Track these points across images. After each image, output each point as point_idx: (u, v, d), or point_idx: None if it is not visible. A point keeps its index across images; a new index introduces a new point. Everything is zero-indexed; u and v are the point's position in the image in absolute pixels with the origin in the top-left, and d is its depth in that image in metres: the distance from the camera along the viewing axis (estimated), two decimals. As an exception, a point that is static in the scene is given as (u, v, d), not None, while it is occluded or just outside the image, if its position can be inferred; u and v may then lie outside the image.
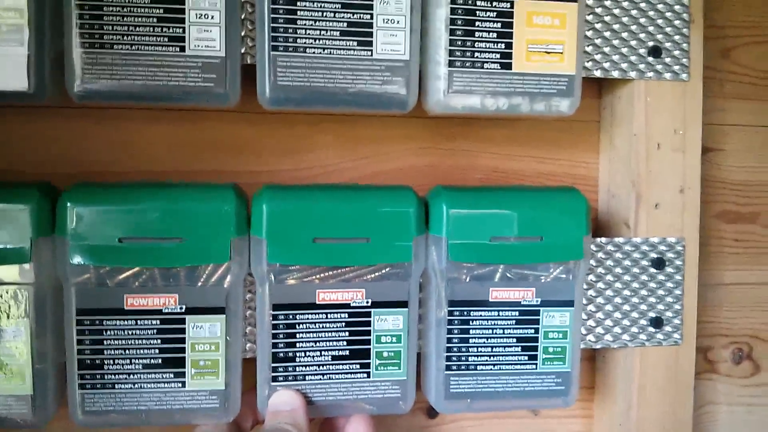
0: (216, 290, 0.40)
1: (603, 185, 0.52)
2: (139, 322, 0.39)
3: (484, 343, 0.43)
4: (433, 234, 0.42)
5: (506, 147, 0.51)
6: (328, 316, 0.41)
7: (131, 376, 0.39)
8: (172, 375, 0.40)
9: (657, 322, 0.49)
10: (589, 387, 0.53)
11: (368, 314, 0.41)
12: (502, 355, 0.43)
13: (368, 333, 0.41)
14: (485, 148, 0.50)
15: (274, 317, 0.40)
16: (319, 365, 0.41)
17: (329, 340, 0.41)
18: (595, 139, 0.52)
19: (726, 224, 0.55)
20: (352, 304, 0.41)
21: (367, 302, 0.41)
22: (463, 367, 0.43)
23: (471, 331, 0.43)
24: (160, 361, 0.39)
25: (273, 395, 0.40)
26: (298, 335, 0.41)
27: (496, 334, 0.43)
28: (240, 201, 0.40)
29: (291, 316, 0.40)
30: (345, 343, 0.41)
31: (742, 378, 0.56)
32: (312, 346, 0.41)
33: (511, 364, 0.43)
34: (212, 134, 0.47)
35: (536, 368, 0.44)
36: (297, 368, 0.41)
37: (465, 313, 0.42)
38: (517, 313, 0.43)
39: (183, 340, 0.40)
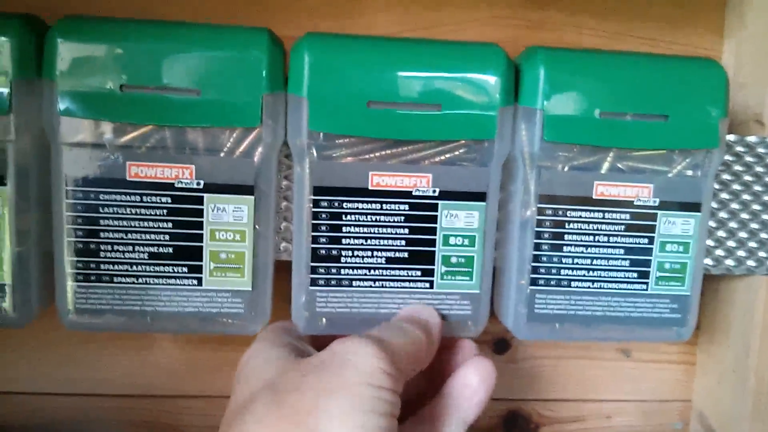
0: (243, 164, 0.31)
1: (728, 74, 0.41)
2: (144, 198, 0.30)
3: (582, 252, 0.33)
4: (524, 106, 0.32)
5: (610, 23, 0.40)
6: (384, 206, 0.32)
7: (134, 268, 0.31)
8: (185, 269, 0.31)
9: (792, 246, 0.38)
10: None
11: (434, 207, 0.32)
12: (604, 270, 0.34)
13: (433, 231, 0.32)
14: (583, 23, 0.40)
15: (315, 203, 0.31)
16: (369, 269, 0.32)
17: (383, 238, 0.32)
18: (719, 19, 0.42)
19: None
20: (414, 193, 0.32)
21: (434, 191, 0.32)
22: (552, 283, 0.33)
23: (566, 237, 0.33)
24: (170, 250, 0.31)
25: (411, 306, 0.32)
26: (344, 229, 0.32)
27: (598, 242, 0.33)
28: (275, 48, 0.31)
29: (336, 204, 0.31)
30: (403, 242, 0.32)
31: None
32: (361, 244, 0.32)
33: (615, 281, 0.34)
34: (244, -14, 0.37)
35: (647, 289, 0.34)
36: (342, 271, 0.32)
37: (559, 212, 0.33)
38: (627, 216, 0.33)
39: (200, 225, 0.31)
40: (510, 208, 0.34)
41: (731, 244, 0.38)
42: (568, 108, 0.31)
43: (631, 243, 0.33)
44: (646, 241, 0.33)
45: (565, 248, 0.33)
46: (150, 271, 0.31)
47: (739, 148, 0.37)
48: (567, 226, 0.33)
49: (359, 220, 0.32)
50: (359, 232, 0.32)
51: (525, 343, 0.41)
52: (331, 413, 0.24)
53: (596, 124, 0.32)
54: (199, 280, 0.31)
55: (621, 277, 0.34)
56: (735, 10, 0.41)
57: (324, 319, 0.33)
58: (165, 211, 0.31)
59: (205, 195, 0.31)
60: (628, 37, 0.41)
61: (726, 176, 0.37)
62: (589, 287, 0.34)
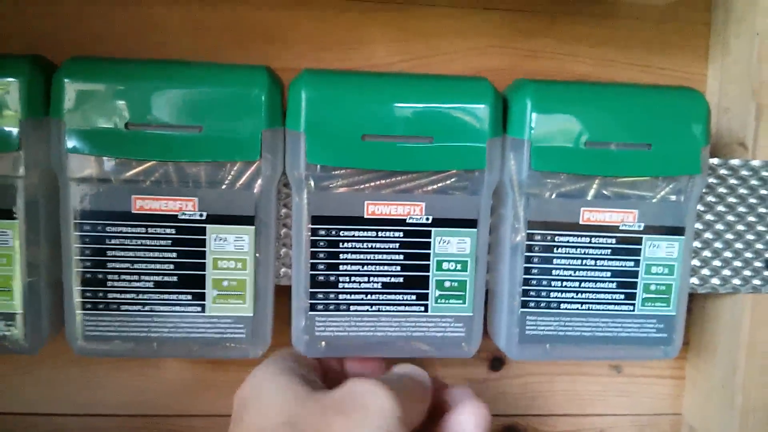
0: (244, 195, 0.32)
1: (713, 99, 0.43)
2: (149, 230, 0.32)
3: (571, 276, 0.35)
4: (512, 136, 0.34)
5: (600, 50, 0.42)
6: (379, 234, 0.33)
7: (140, 296, 0.32)
8: (189, 297, 0.33)
9: (776, 265, 0.40)
10: (683, 343, 0.44)
11: (428, 234, 0.33)
12: (592, 292, 0.35)
13: (427, 257, 0.34)
14: (574, 50, 0.42)
15: (313, 232, 0.33)
16: (366, 293, 0.34)
17: (379, 264, 0.33)
18: (704, 46, 0.43)
19: None
20: (408, 221, 0.33)
21: (427, 219, 0.33)
22: (543, 305, 0.35)
23: (554, 261, 0.34)
24: (175, 278, 0.32)
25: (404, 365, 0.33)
26: (341, 256, 0.33)
27: (586, 265, 0.35)
28: (274, 85, 0.32)
29: (333, 232, 0.33)
30: (398, 268, 0.34)
31: None
32: (358, 270, 0.33)
33: (603, 303, 0.35)
34: (240, 20, 0.39)
35: (633, 310, 0.35)
36: (339, 296, 0.33)
37: (548, 238, 0.34)
38: (613, 241, 0.34)
39: (203, 254, 0.32)
40: (501, 233, 0.35)
41: (716, 263, 0.39)
42: (555, 138, 0.33)
43: (617, 266, 0.35)
44: (632, 264, 0.35)
45: (554, 272, 0.34)
46: (155, 299, 0.32)
47: (723, 171, 0.39)
48: (555, 251, 0.34)
49: (356, 248, 0.33)
50: (356, 259, 0.33)
51: (520, 360, 0.43)
52: None
53: (582, 154, 0.33)
54: (203, 307, 0.33)
55: (608, 299, 0.35)
56: (719, 37, 0.43)
57: (323, 343, 0.34)
58: (169, 241, 0.32)
59: (208, 226, 0.32)
60: (618, 63, 0.42)
61: (711, 198, 0.39)
62: (577, 309, 0.35)
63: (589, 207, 0.34)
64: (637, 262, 0.35)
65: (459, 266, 0.34)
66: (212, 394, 0.41)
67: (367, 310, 0.34)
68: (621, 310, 0.35)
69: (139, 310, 0.32)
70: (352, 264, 0.33)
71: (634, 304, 0.35)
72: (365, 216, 0.33)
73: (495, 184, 0.34)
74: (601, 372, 0.44)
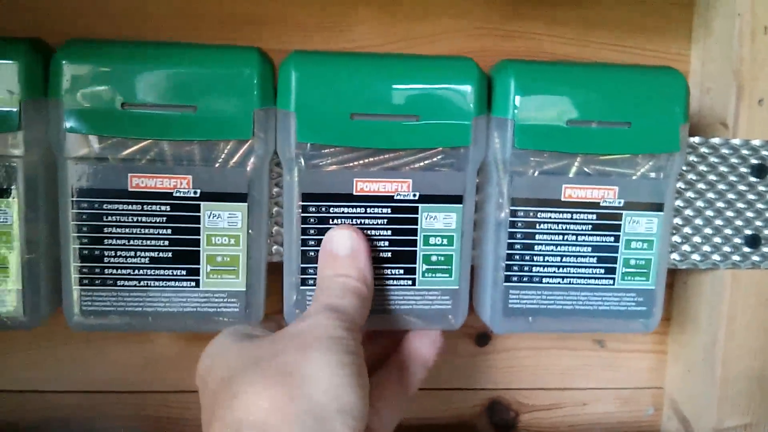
0: (237, 173, 0.33)
1: (695, 79, 0.44)
2: (145, 207, 0.33)
3: (553, 251, 0.36)
4: (496, 116, 0.35)
5: (581, 31, 0.43)
6: (367, 210, 0.34)
7: (136, 272, 0.33)
8: (184, 272, 0.34)
9: (754, 241, 0.41)
10: (665, 318, 0.46)
11: (415, 210, 0.35)
12: (574, 267, 0.36)
13: (414, 232, 0.35)
14: (555, 31, 0.43)
15: (304, 209, 0.34)
16: (355, 269, 0.35)
17: (369, 239, 0.34)
18: (687, 26, 0.44)
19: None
20: (396, 197, 0.34)
21: (414, 195, 0.34)
22: (525, 279, 0.36)
23: (537, 237, 0.36)
24: (170, 254, 0.33)
25: (328, 233, 0.34)
26: (331, 232, 0.34)
27: (567, 240, 0.36)
28: (265, 66, 0.33)
29: (323, 209, 0.34)
30: (387, 243, 0.35)
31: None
32: (348, 246, 0.34)
33: (584, 277, 0.36)
34: (230, 4, 0.40)
35: (613, 284, 0.36)
36: (329, 271, 0.34)
37: (531, 214, 0.35)
38: (594, 217, 0.36)
39: (197, 231, 0.33)
40: (486, 210, 0.37)
41: (697, 240, 0.40)
42: (538, 117, 0.34)
43: (598, 241, 0.36)
44: (612, 239, 0.36)
45: (536, 247, 0.36)
46: (151, 275, 0.33)
47: (704, 150, 0.40)
48: (538, 227, 0.35)
49: (345, 224, 0.34)
50: (345, 235, 0.34)
51: (504, 335, 0.44)
52: (312, 363, 0.27)
53: (564, 132, 0.34)
54: (197, 282, 0.34)
55: (589, 273, 0.36)
56: (702, 17, 0.44)
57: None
58: (164, 218, 0.33)
59: (202, 203, 0.33)
60: (600, 44, 0.43)
61: (691, 176, 0.40)
62: (559, 283, 0.36)
63: (570, 184, 0.35)
64: (617, 238, 0.36)
65: (445, 241, 0.35)
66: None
67: (357, 285, 0.35)
68: (601, 284, 0.36)
69: (134, 285, 0.33)
70: (341, 240, 0.34)
71: (614, 278, 0.36)
72: (354, 193, 0.34)
73: (480, 161, 0.35)
74: (584, 347, 0.45)
